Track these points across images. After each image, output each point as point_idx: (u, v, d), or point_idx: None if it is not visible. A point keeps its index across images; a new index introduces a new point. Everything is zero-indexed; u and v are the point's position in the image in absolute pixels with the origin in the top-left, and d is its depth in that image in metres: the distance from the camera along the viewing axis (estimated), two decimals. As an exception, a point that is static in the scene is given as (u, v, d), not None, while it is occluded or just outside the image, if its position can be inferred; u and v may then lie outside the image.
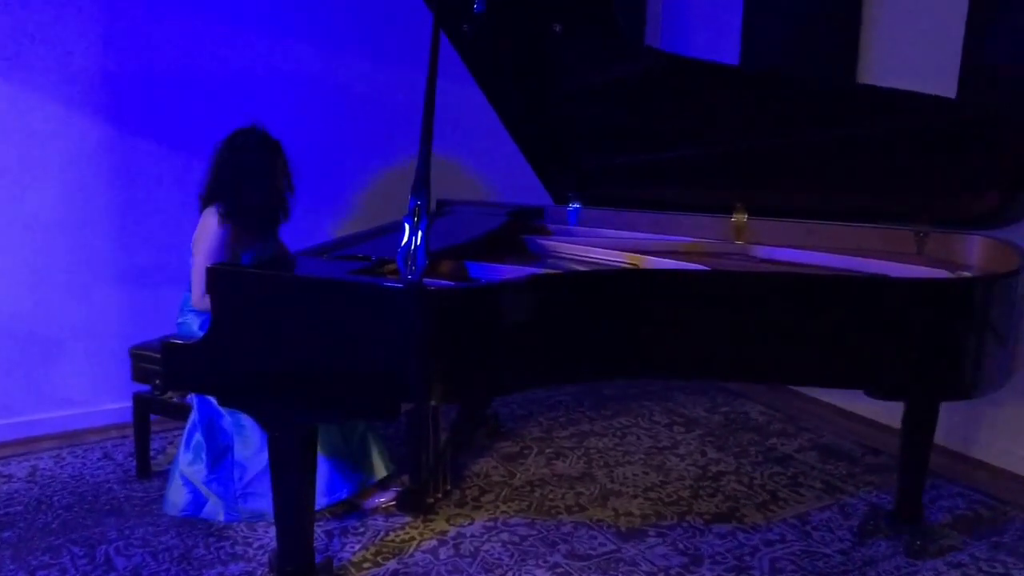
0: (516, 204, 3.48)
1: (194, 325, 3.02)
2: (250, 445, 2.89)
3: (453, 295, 2.21)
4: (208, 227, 2.88)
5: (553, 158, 3.25)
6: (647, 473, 3.42)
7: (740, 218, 3.21)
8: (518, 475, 3.37)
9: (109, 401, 3.72)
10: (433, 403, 2.21)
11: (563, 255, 2.97)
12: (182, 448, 2.97)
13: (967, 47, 3.42)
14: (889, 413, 3.82)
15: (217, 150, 2.95)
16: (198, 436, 2.94)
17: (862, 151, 2.90)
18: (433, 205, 2.90)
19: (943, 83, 3.44)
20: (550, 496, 3.20)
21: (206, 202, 2.94)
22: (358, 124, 4.12)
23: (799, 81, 2.94)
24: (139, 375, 3.20)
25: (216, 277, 2.32)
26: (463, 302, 2.21)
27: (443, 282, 2.38)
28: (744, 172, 3.15)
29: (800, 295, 2.41)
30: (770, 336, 2.40)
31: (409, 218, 2.23)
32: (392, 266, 2.52)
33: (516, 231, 3.20)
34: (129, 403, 3.40)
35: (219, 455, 2.94)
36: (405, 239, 2.22)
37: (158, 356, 3.08)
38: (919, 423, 2.81)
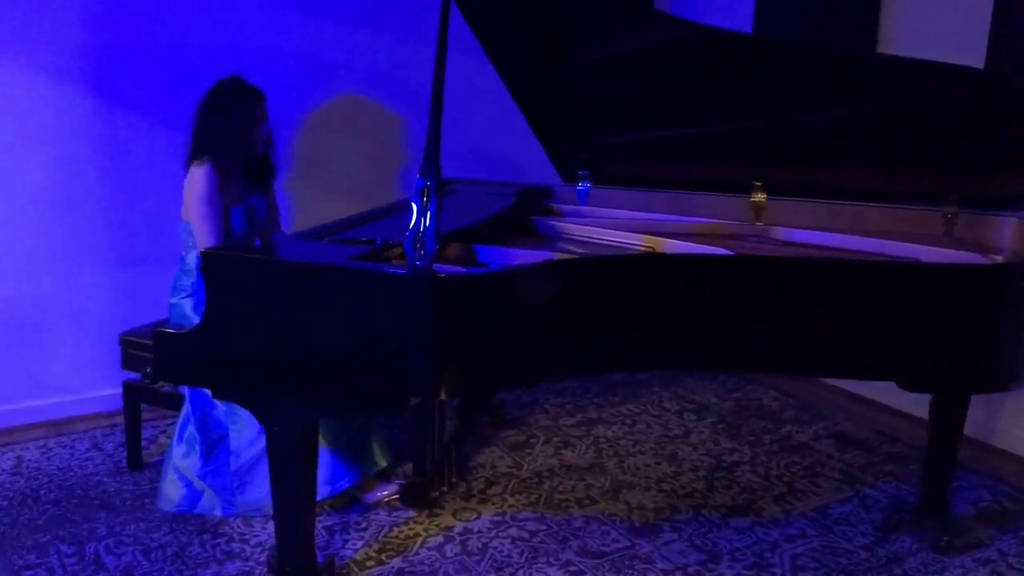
0: (522, 183, 3.32)
1: (187, 307, 2.88)
2: (245, 433, 2.75)
3: (465, 282, 2.07)
4: (195, 179, 2.78)
5: (565, 134, 3.09)
6: (659, 463, 3.29)
7: (759, 198, 3.06)
8: (525, 466, 3.24)
9: (98, 388, 3.57)
10: (443, 397, 2.07)
11: (575, 237, 2.82)
12: (175, 441, 2.82)
13: (996, 15, 3.26)
14: (905, 400, 3.69)
15: (199, 104, 2.87)
16: (191, 428, 2.80)
17: (887, 127, 2.76)
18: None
19: (969, 54, 3.27)
20: (559, 488, 3.07)
21: (191, 158, 2.84)
22: (358, 100, 3.95)
23: (821, 51, 2.77)
24: (129, 363, 3.05)
25: (209, 262, 2.17)
26: (476, 289, 2.07)
27: (453, 268, 2.24)
28: (763, 149, 3.01)
29: (832, 281, 2.28)
30: (800, 325, 2.26)
31: (417, 199, 2.08)
32: (398, 250, 2.37)
33: (525, 212, 3.05)
34: (119, 390, 3.25)
35: (213, 446, 2.80)
36: (413, 222, 2.07)
37: (149, 343, 2.96)
38: (949, 415, 2.68)
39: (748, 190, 3.08)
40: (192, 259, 2.88)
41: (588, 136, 3.11)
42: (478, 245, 2.53)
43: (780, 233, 2.91)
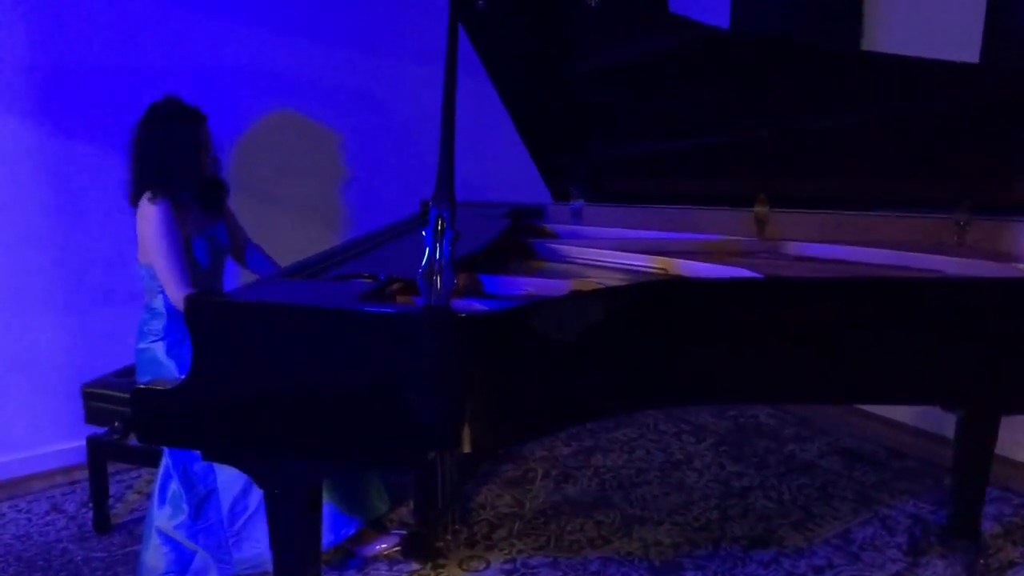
0: (510, 202, 3.12)
1: (158, 351, 2.61)
2: (236, 484, 2.50)
3: (491, 319, 1.86)
4: (148, 216, 2.52)
5: (559, 147, 2.91)
6: (668, 494, 3.12)
7: (762, 211, 2.92)
8: (528, 504, 3.04)
9: (54, 442, 3.27)
10: (466, 450, 1.86)
11: (580, 260, 2.63)
12: (156, 503, 2.55)
13: (991, 8, 3.16)
14: (905, 412, 3.62)
15: (135, 132, 2.61)
16: (175, 486, 2.54)
17: (893, 131, 2.65)
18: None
19: (960, 51, 3.16)
20: (568, 528, 2.88)
21: (136, 195, 2.58)
22: (331, 123, 3.71)
23: (823, 53, 2.63)
24: (93, 416, 2.77)
25: (195, 310, 1.93)
26: (502, 326, 1.86)
27: (469, 302, 2.04)
28: (764, 158, 2.87)
29: (874, 301, 2.13)
30: (846, 350, 2.11)
31: (430, 231, 1.87)
32: (398, 284, 2.16)
33: (520, 234, 2.86)
34: (76, 443, 2.99)
35: (202, 502, 2.54)
36: (427, 255, 1.86)
37: (115, 395, 2.70)
38: (980, 434, 2.56)
39: (750, 202, 2.94)
40: (160, 303, 2.62)
41: (583, 150, 2.93)
42: (483, 275, 2.34)
43: (792, 248, 2.77)
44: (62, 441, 3.24)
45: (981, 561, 2.59)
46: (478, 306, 2.03)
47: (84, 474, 3.11)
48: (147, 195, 2.53)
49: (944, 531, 2.73)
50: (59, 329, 3.25)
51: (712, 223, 2.96)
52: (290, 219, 3.65)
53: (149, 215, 2.52)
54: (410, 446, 1.88)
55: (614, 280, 2.23)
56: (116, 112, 3.22)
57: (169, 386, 1.99)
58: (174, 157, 2.55)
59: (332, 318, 1.86)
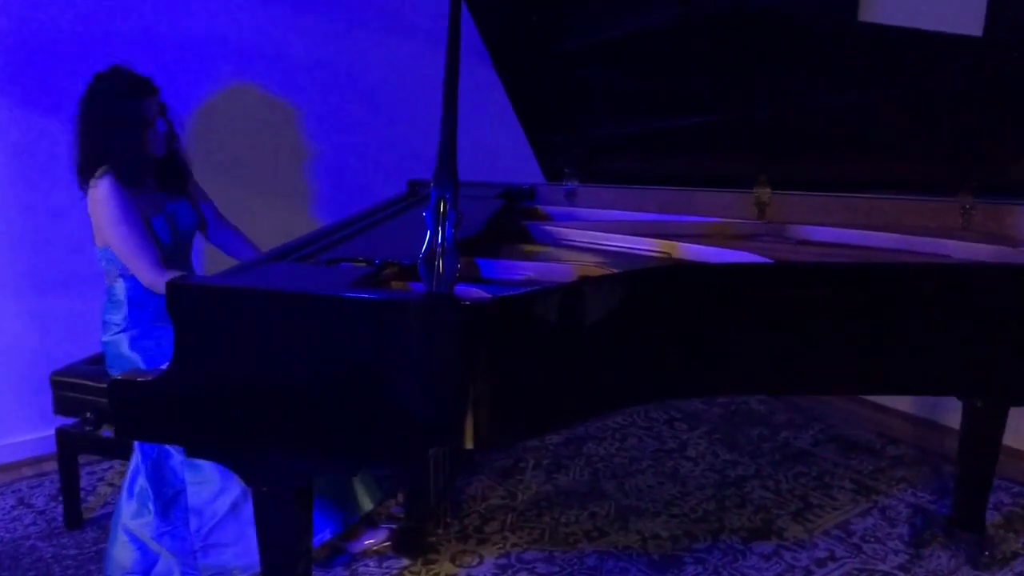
0: (503, 183, 3.00)
1: (122, 344, 2.47)
2: (206, 488, 2.36)
3: (496, 308, 1.74)
4: (98, 198, 2.36)
5: (556, 125, 2.79)
6: (662, 484, 3.03)
7: (763, 192, 2.83)
8: (520, 495, 2.93)
9: (19, 432, 3.11)
10: (469, 446, 1.75)
11: (579, 244, 2.53)
12: (124, 497, 2.42)
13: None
14: (899, 398, 3.54)
15: (80, 106, 2.43)
16: (142, 482, 2.40)
17: (895, 110, 2.56)
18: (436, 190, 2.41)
19: (964, 22, 3.06)
20: (563, 520, 2.78)
21: (83, 176, 2.42)
22: (302, 97, 3.55)
23: (823, 25, 2.54)
24: (63, 406, 2.62)
25: (177, 296, 1.80)
26: (508, 316, 1.75)
27: (468, 288, 1.92)
28: (764, 138, 2.77)
29: (890, 287, 2.04)
30: (864, 338, 2.02)
31: (431, 213, 1.75)
32: (393, 269, 2.04)
33: (514, 216, 2.74)
34: (44, 433, 2.84)
35: (169, 502, 2.41)
36: (428, 239, 1.74)
37: (87, 384, 2.56)
38: (988, 424, 2.49)
39: (750, 184, 2.84)
40: (121, 289, 2.47)
41: (579, 127, 2.82)
42: (480, 259, 2.22)
43: (795, 231, 2.67)
44: (29, 431, 3.09)
45: (986, 553, 2.53)
46: (479, 292, 1.91)
47: (53, 465, 2.96)
48: (93, 176, 2.37)
49: (948, 522, 2.67)
50: (22, 314, 3.07)
51: (711, 205, 2.86)
52: (261, 199, 3.49)
53: (97, 193, 2.36)
54: (408, 442, 1.77)
55: (617, 265, 2.12)
56: (79, 81, 3.05)
57: (149, 377, 1.86)
58: (114, 132, 2.37)
59: (325, 305, 1.74)
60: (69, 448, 2.63)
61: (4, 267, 3.02)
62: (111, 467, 3.05)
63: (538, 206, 2.93)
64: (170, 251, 2.50)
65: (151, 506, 2.40)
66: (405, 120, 3.78)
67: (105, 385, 2.47)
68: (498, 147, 3.59)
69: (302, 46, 3.50)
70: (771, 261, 2.12)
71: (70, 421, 2.64)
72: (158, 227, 2.47)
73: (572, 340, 1.82)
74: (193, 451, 1.92)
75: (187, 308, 1.79)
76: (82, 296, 3.10)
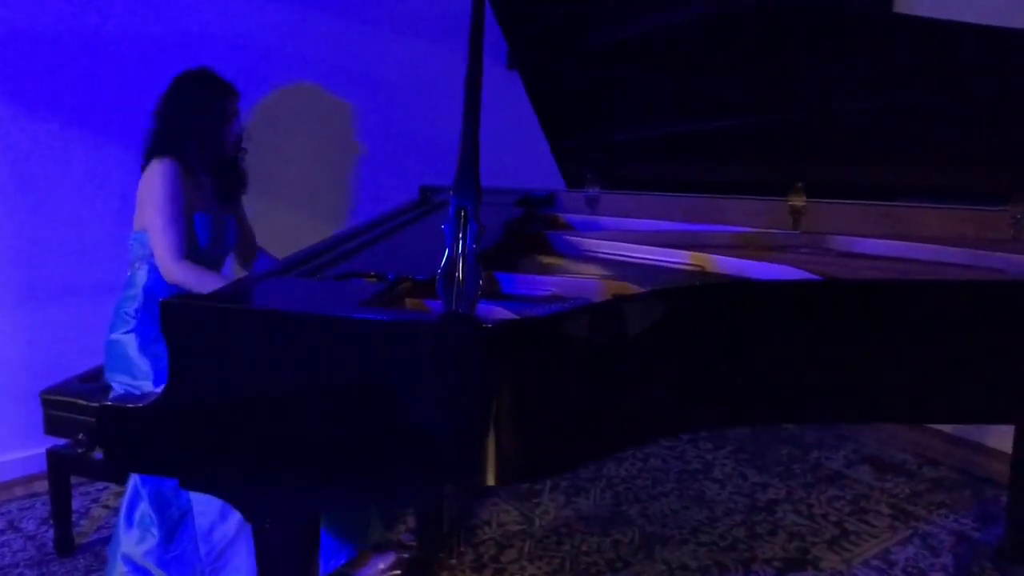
0: (520, 189, 2.84)
1: (129, 346, 2.33)
2: (213, 507, 2.21)
3: (521, 329, 1.58)
4: (153, 177, 2.32)
5: (579, 128, 2.63)
6: (688, 508, 2.87)
7: (797, 200, 2.66)
8: (537, 520, 2.77)
9: (10, 450, 2.96)
10: (491, 483, 1.59)
11: (605, 256, 2.36)
12: (122, 525, 2.26)
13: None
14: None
15: (162, 97, 2.42)
16: (144, 507, 2.25)
17: (938, 110, 2.40)
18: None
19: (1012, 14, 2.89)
20: (583, 548, 2.62)
21: (150, 156, 2.37)
22: (305, 91, 3.40)
23: (858, 20, 2.38)
24: (54, 426, 2.47)
25: (171, 315, 1.64)
26: (536, 338, 1.59)
27: (491, 307, 1.76)
28: (798, 142, 2.62)
29: (956, 305, 1.88)
30: (926, 360, 1.85)
31: (451, 226, 1.59)
32: (406, 285, 1.88)
33: (533, 225, 2.58)
34: (36, 451, 2.69)
35: (174, 527, 2.25)
36: (447, 254, 1.58)
37: (78, 403, 2.41)
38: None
39: (782, 191, 2.68)
40: (141, 276, 2.36)
41: (603, 130, 2.66)
42: (499, 273, 2.06)
43: (834, 242, 2.51)
44: (20, 449, 2.94)
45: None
46: (501, 311, 1.74)
47: (44, 485, 2.82)
48: (156, 156, 2.33)
49: (998, 554, 2.50)
50: (12, 326, 2.92)
51: (742, 214, 2.69)
52: (281, 205, 3.34)
53: (153, 172, 2.32)
54: (423, 478, 1.60)
55: (648, 280, 1.96)
56: (81, 84, 2.91)
57: (141, 403, 1.70)
58: (194, 122, 2.36)
59: (333, 327, 1.57)
60: (61, 470, 2.47)
61: (-3, 277, 2.87)
62: (106, 487, 2.90)
63: (558, 214, 2.76)
64: (205, 255, 2.41)
65: (155, 531, 2.24)
66: (415, 123, 3.63)
67: (97, 404, 2.37)
68: (511, 152, 3.43)
69: (311, 46, 3.35)
70: (818, 277, 1.95)
71: (62, 441, 2.48)
72: (200, 224, 2.39)
73: (606, 365, 1.66)
74: (187, 484, 1.76)
75: (182, 329, 1.63)
76: (76, 309, 2.97)
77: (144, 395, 1.86)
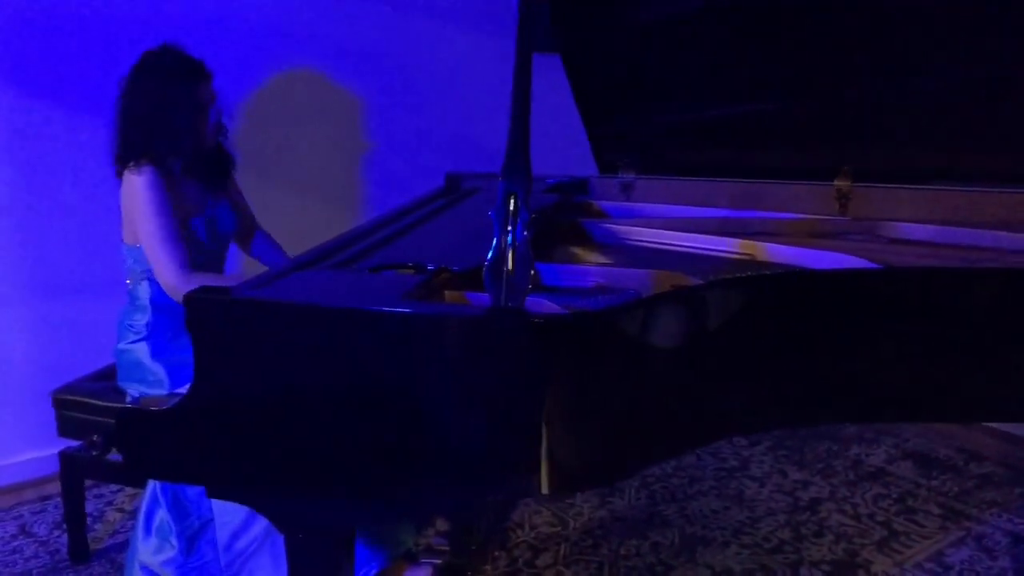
0: (553, 175, 2.71)
1: (140, 353, 2.20)
2: (236, 516, 2.08)
3: (577, 324, 1.46)
4: (135, 190, 2.10)
5: (617, 110, 2.50)
6: (728, 508, 2.74)
7: (844, 185, 2.53)
8: (571, 522, 2.65)
9: (21, 451, 2.84)
10: (544, 492, 1.47)
11: (646, 244, 2.24)
12: (140, 533, 2.14)
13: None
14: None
15: (122, 85, 2.18)
16: (162, 514, 2.13)
17: (996, 89, 2.27)
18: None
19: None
20: (622, 552, 2.50)
21: (121, 163, 2.16)
22: (335, 86, 3.27)
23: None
24: (66, 427, 2.34)
25: (196, 312, 1.51)
26: (592, 333, 1.46)
27: (538, 300, 1.63)
28: (846, 124, 2.49)
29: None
30: (1000, 355, 1.73)
31: (499, 213, 1.46)
32: (443, 277, 1.75)
33: (569, 213, 2.45)
34: (47, 452, 2.57)
35: (195, 536, 2.14)
36: (495, 243, 1.45)
37: (92, 403, 2.29)
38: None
39: (827, 175, 2.55)
40: (144, 292, 2.21)
41: (642, 112, 2.53)
42: (539, 263, 1.93)
43: (887, 228, 2.38)
44: (31, 450, 2.82)
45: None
46: (548, 304, 1.62)
47: (57, 487, 2.70)
48: (131, 164, 2.11)
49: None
50: (23, 323, 2.80)
51: (786, 199, 2.56)
52: (296, 196, 3.22)
53: (134, 184, 2.10)
54: (471, 487, 1.48)
55: (697, 270, 1.83)
56: (92, 69, 2.78)
57: (163, 406, 1.58)
58: (166, 118, 2.12)
59: (375, 322, 1.44)
60: (74, 473, 2.35)
61: (3, 272, 2.74)
62: (120, 490, 2.78)
63: (592, 201, 2.64)
64: (207, 255, 2.26)
65: (174, 541, 2.13)
66: (442, 109, 3.50)
67: (113, 404, 2.25)
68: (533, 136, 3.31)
69: (332, 28, 3.22)
70: (879, 266, 1.83)
71: (75, 443, 2.36)
72: (197, 228, 2.23)
73: (668, 361, 1.53)
74: (215, 492, 1.63)
75: (210, 326, 1.51)
76: (89, 304, 2.85)
77: (166, 396, 1.74)
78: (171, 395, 1.76)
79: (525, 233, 1.46)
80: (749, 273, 1.78)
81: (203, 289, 1.54)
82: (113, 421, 2.23)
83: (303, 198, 3.26)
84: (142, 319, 2.21)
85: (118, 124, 2.18)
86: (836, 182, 2.52)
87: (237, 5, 3.00)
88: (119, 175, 2.17)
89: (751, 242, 2.12)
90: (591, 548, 2.51)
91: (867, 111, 2.46)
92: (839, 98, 2.45)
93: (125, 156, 2.15)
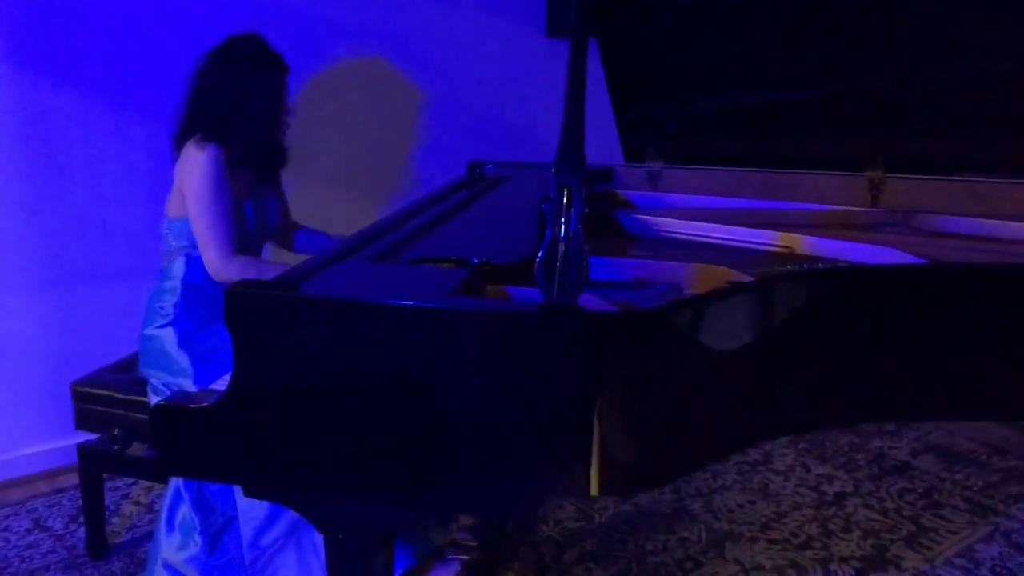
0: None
1: (166, 341, 2.14)
2: (261, 511, 2.04)
3: (634, 321, 1.41)
4: (196, 163, 2.06)
5: (648, 96, 2.45)
6: (753, 502, 2.71)
7: (876, 175, 2.49)
8: (596, 517, 2.61)
9: (33, 443, 2.78)
10: (594, 494, 1.43)
11: (681, 235, 2.19)
12: (163, 528, 2.10)
13: None
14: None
15: (200, 65, 2.14)
16: (185, 510, 2.08)
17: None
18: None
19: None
20: (649, 547, 2.46)
21: (182, 138, 2.13)
22: (364, 73, 3.20)
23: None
24: (85, 420, 2.29)
25: (238, 306, 1.46)
26: (648, 331, 1.42)
27: (586, 297, 1.58)
28: (880, 113, 2.46)
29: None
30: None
31: (552, 206, 1.42)
32: (486, 267, 1.71)
33: (597, 203, 2.41)
34: (60, 443, 2.54)
35: (219, 533, 2.09)
36: (549, 238, 1.41)
37: (112, 396, 2.24)
38: None
39: (857, 166, 2.51)
40: (179, 268, 2.15)
41: (672, 99, 2.48)
42: (579, 256, 1.88)
43: (924, 221, 2.34)
44: (44, 442, 2.77)
45: None
46: (592, 299, 1.57)
47: (70, 479, 2.68)
48: (196, 137, 2.08)
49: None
50: (38, 312, 2.73)
51: (818, 190, 2.52)
52: (321, 187, 3.15)
53: (197, 158, 2.06)
54: (519, 488, 1.44)
55: (740, 263, 1.78)
56: (106, 53, 2.71)
57: (203, 403, 1.53)
58: (246, 103, 2.10)
59: (427, 319, 1.39)
60: (92, 468, 2.29)
61: (21, 259, 2.68)
62: (136, 483, 2.73)
63: (616, 190, 2.59)
64: (251, 240, 2.22)
65: (197, 538, 2.08)
66: (463, 96, 3.44)
67: (134, 398, 2.20)
68: (549, 124, 3.26)
69: (334, 10, 3.15)
70: (926, 260, 1.78)
71: (92, 436, 2.31)
72: (248, 212, 2.19)
73: (725, 359, 1.49)
74: (254, 491, 1.58)
75: (251, 320, 1.45)
76: (106, 294, 2.78)
77: (202, 392, 1.69)
78: (206, 391, 1.71)
79: (577, 227, 1.42)
80: (803, 267, 1.75)
81: (244, 283, 1.49)
82: (135, 415, 2.21)
83: (327, 189, 3.20)
84: (170, 300, 2.15)
85: (191, 99, 2.15)
86: (868, 172, 2.48)
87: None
88: (178, 149, 2.14)
89: (791, 235, 2.08)
90: (618, 543, 2.48)
91: (899, 100, 2.42)
92: (870, 87, 2.41)
93: (190, 131, 2.12)
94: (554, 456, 1.41)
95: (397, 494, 1.49)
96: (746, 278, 1.62)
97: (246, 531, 2.05)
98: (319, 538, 1.72)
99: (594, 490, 1.42)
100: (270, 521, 2.05)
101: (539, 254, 1.41)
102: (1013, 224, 2.21)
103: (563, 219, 1.41)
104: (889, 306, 1.60)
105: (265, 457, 1.51)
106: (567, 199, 1.41)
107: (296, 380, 1.46)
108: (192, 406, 1.52)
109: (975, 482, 2.85)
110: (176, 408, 1.54)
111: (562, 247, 1.41)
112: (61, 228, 2.71)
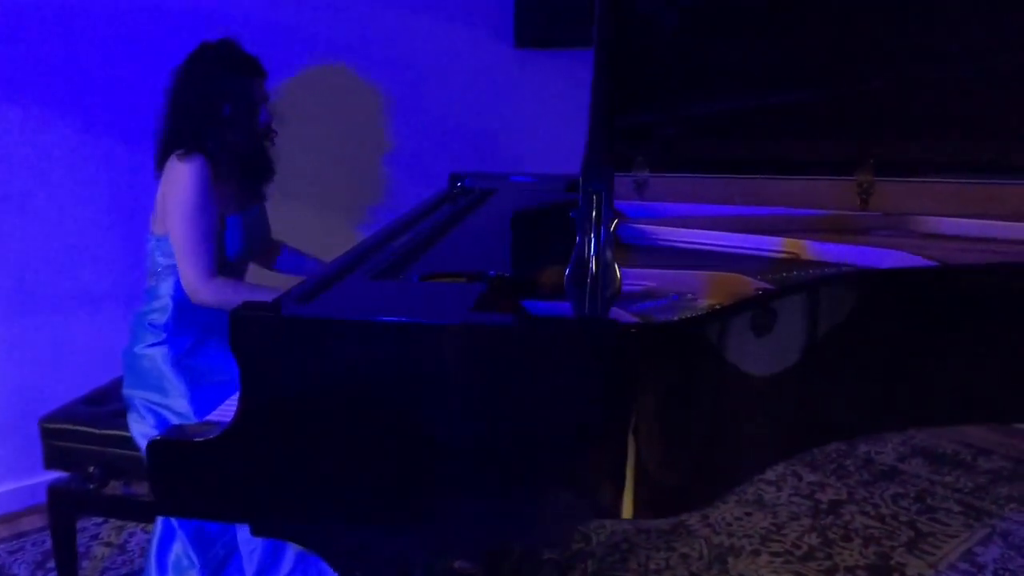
0: (564, 175, 2.60)
1: (159, 358, 2.01)
2: (263, 542, 1.92)
3: (675, 334, 1.34)
4: (180, 177, 1.95)
5: (640, 102, 2.39)
6: (750, 514, 2.66)
7: (866, 179, 2.47)
8: (594, 537, 2.53)
9: (-6, 483, 2.61)
10: (627, 517, 1.35)
11: (682, 244, 2.14)
12: (153, 570, 1.96)
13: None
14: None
15: (176, 76, 2.04)
16: (180, 549, 1.94)
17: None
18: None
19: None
20: (652, 566, 2.39)
21: (164, 155, 2.02)
22: (330, 84, 3.09)
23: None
24: (55, 458, 2.13)
25: (244, 330, 1.35)
26: (683, 344, 1.35)
27: (618, 311, 1.51)
28: (870, 116, 2.43)
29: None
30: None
31: (582, 213, 1.34)
32: (497, 281, 1.63)
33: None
34: (20, 483, 2.38)
35: (220, 566, 1.97)
36: (578, 248, 1.33)
37: (86, 431, 2.09)
38: None
39: (846, 170, 2.49)
40: (168, 288, 2.03)
41: (663, 106, 2.43)
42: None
43: (916, 223, 2.32)
44: (6, 482, 2.59)
45: None
46: (623, 313, 1.50)
47: (33, 522, 2.51)
48: (177, 152, 1.96)
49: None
50: (3, 341, 2.57)
51: (807, 195, 2.49)
52: (290, 199, 3.03)
53: (180, 172, 1.94)
54: (548, 516, 1.36)
55: (751, 271, 1.74)
56: (71, 70, 2.57)
57: (206, 435, 1.42)
58: (217, 109, 1.99)
59: (453, 338, 1.31)
60: (64, 509, 2.13)
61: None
62: (105, 522, 2.57)
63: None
64: (237, 258, 2.11)
65: (195, 575, 1.95)
66: (432, 107, 3.35)
67: (112, 432, 2.06)
68: (520, 135, 3.20)
69: (322, 26, 3.05)
70: (935, 263, 1.76)
71: (63, 476, 2.16)
72: (232, 229, 2.07)
73: (762, 370, 1.43)
74: (263, 530, 1.47)
75: (260, 346, 1.35)
76: (71, 323, 2.63)
77: (202, 424, 1.57)
78: (205, 423, 1.59)
79: (608, 237, 1.35)
80: (825, 271, 1.71)
81: (248, 306, 1.38)
82: (113, 450, 2.07)
83: (293, 202, 3.07)
84: (160, 318, 2.02)
85: (167, 113, 2.04)
86: (857, 176, 2.47)
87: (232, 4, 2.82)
88: (160, 166, 2.02)
89: (796, 240, 2.04)
90: (620, 563, 2.40)
91: (887, 103, 2.40)
92: (857, 90, 2.39)
93: (172, 145, 2.01)
94: (586, 476, 1.33)
95: (420, 529, 1.39)
96: (765, 285, 1.58)
97: (249, 566, 1.94)
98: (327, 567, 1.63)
99: (626, 512, 1.35)
100: (275, 554, 1.95)
101: (568, 268, 1.34)
102: (1005, 223, 2.21)
103: (594, 229, 1.34)
104: (932, 309, 1.57)
105: (277, 491, 1.40)
106: (598, 208, 1.34)
107: (310, 408, 1.36)
108: (196, 439, 1.40)
109: (965, 484, 2.85)
110: (177, 442, 1.42)
111: (593, 259, 1.33)
112: (25, 253, 2.55)
